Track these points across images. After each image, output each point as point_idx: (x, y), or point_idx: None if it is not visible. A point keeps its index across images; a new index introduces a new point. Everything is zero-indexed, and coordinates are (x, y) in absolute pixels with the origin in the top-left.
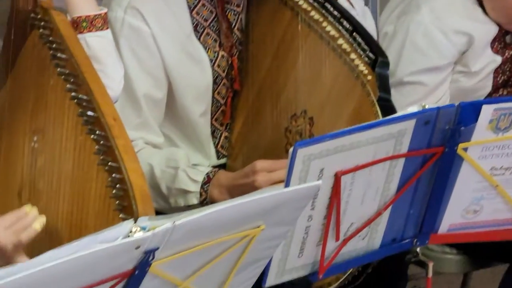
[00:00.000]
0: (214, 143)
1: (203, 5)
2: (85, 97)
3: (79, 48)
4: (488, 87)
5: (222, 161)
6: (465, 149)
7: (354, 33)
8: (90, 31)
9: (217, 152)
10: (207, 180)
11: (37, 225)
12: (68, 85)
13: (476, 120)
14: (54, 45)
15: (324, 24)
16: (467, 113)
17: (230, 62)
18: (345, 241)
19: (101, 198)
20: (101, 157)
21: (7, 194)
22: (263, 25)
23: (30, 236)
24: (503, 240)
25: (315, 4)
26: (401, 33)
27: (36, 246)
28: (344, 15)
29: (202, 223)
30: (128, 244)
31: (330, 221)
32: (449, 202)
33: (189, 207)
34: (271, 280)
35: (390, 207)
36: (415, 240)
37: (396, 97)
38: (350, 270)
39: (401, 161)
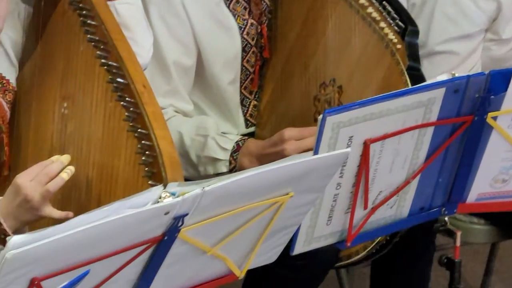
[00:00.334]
0: (243, 112)
1: None
2: (114, 64)
3: (109, 15)
4: None
5: (251, 129)
6: (495, 118)
7: (384, 2)
8: None
9: (246, 120)
10: (237, 149)
11: (65, 175)
12: (98, 52)
13: (506, 88)
14: (84, 12)
15: None
16: (497, 82)
17: (259, 30)
18: (373, 209)
19: (130, 165)
20: (131, 124)
21: (37, 160)
22: None
23: (58, 186)
24: None
25: None
26: (430, 3)
27: (67, 208)
28: None
29: (231, 189)
30: (157, 210)
31: (359, 189)
32: (477, 171)
33: (218, 175)
34: (299, 247)
35: (418, 176)
36: (443, 209)
37: (428, 67)
38: (378, 239)
39: (430, 129)
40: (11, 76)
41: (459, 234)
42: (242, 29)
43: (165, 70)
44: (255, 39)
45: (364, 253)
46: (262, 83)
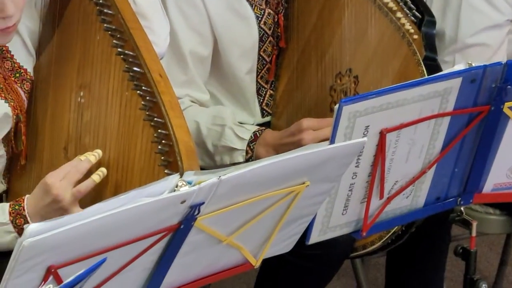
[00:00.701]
0: (259, 101)
1: None
2: (131, 53)
3: (125, 4)
4: None
5: (267, 119)
6: (511, 108)
7: None
8: None
9: (262, 110)
10: (254, 139)
11: (96, 177)
12: (114, 41)
13: None
14: (100, 1)
15: None
16: None
17: (276, 19)
18: (389, 199)
19: (147, 154)
20: (147, 113)
21: (53, 149)
22: None
23: (89, 187)
24: None
25: None
26: None
27: (82, 200)
28: None
29: (247, 178)
30: (174, 198)
31: (375, 178)
32: (494, 161)
33: (235, 165)
34: (314, 237)
35: (434, 166)
36: (459, 199)
37: (461, 62)
38: (393, 229)
39: (447, 119)
40: (28, 65)
41: (474, 224)
42: (260, 18)
43: (182, 60)
44: (272, 28)
45: (379, 243)
46: (278, 72)
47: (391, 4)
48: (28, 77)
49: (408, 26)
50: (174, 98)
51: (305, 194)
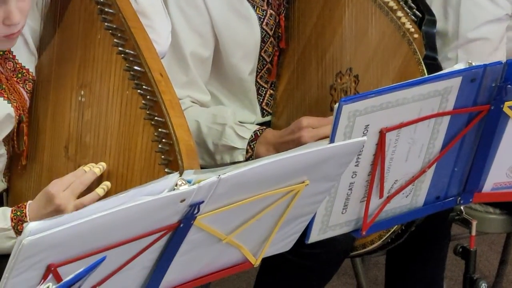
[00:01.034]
0: (259, 101)
1: None
2: (132, 52)
3: (126, 3)
4: None
5: (267, 118)
6: (511, 107)
7: None
8: None
9: (262, 109)
10: (254, 138)
11: (100, 190)
12: (115, 40)
13: None
14: (101, 0)
15: None
16: None
17: (277, 20)
18: (389, 198)
19: (147, 152)
20: (148, 112)
21: (53, 148)
22: None
23: (93, 201)
24: None
25: None
26: None
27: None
28: None
29: (247, 177)
30: (173, 197)
31: (374, 177)
32: (494, 161)
33: (235, 164)
34: (314, 236)
35: (434, 165)
36: (459, 198)
37: (463, 57)
38: (393, 228)
39: (447, 118)
40: (30, 65)
41: (474, 223)
42: (262, 19)
43: (183, 61)
44: (273, 29)
45: (379, 242)
46: (279, 72)
47: (392, 3)
48: (30, 77)
49: (408, 25)
50: (174, 97)
51: (304, 193)
